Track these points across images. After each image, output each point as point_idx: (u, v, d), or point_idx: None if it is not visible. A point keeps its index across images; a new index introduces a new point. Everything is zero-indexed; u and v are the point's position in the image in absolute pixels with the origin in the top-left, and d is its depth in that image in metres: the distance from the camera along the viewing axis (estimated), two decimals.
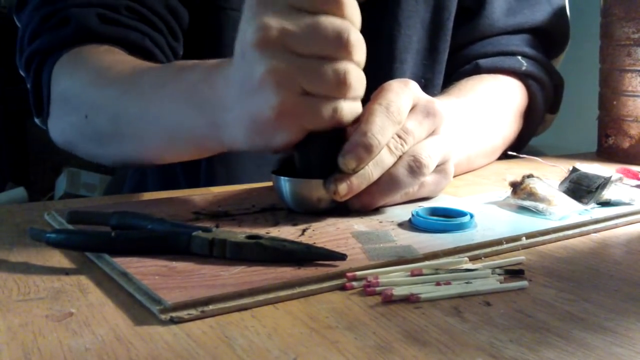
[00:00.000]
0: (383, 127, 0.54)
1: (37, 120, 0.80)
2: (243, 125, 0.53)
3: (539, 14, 0.89)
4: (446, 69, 0.88)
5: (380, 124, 0.54)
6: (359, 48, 0.51)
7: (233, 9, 0.79)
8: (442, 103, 0.59)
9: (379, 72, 0.84)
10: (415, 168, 0.56)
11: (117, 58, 0.71)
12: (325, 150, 0.55)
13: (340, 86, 0.51)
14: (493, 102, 0.82)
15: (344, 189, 0.54)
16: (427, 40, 0.86)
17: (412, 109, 0.57)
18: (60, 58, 0.73)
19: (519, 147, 0.89)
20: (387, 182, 0.56)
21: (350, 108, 0.52)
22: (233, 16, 0.79)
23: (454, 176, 0.65)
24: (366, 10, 0.82)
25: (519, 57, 0.87)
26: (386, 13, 0.83)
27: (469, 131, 0.73)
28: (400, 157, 0.56)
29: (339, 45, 0.50)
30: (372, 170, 0.54)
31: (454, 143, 0.61)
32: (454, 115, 0.67)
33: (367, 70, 0.85)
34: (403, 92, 0.57)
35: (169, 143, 0.63)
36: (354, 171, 0.54)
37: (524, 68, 0.86)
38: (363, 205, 0.57)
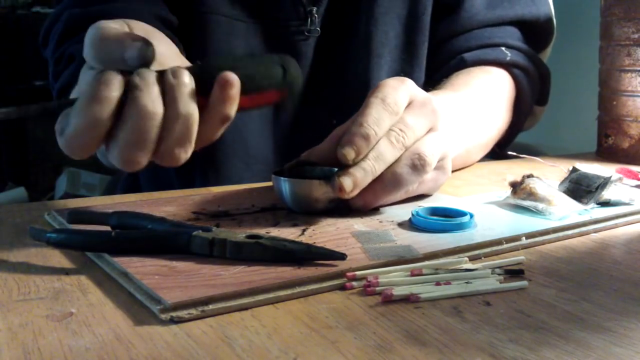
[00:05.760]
0: (379, 118, 0.54)
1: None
2: None
3: (519, 7, 0.90)
4: (430, 64, 0.89)
5: (376, 115, 0.54)
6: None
7: (213, 12, 0.80)
8: (437, 99, 0.59)
9: (357, 67, 0.85)
10: (419, 166, 0.56)
11: None
12: None
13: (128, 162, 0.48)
14: (486, 94, 0.82)
15: (349, 184, 0.53)
16: (405, 35, 0.87)
17: (409, 105, 0.58)
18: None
19: (510, 138, 0.90)
20: (391, 179, 0.56)
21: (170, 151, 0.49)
22: (215, 20, 0.80)
23: (453, 171, 0.65)
24: (342, 7, 0.83)
25: (503, 48, 0.87)
26: (362, 9, 0.84)
27: (466, 125, 0.74)
28: (403, 154, 0.56)
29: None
30: (375, 165, 0.54)
31: (451, 139, 0.61)
32: (451, 110, 0.67)
33: (345, 65, 0.86)
34: (399, 87, 0.57)
35: None
36: (354, 162, 0.54)
37: (508, 58, 0.86)
38: (365, 203, 0.57)
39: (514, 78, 0.88)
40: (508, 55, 0.86)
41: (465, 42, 0.87)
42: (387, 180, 0.56)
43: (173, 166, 0.50)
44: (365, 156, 0.54)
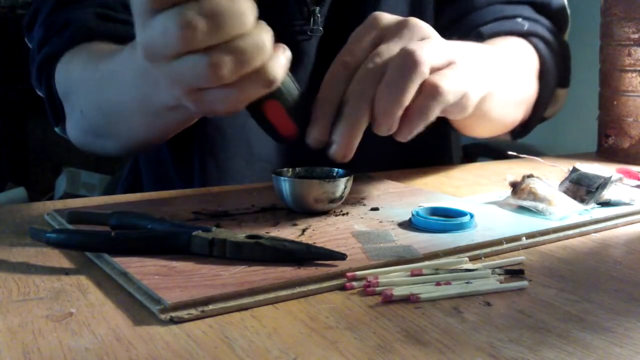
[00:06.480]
0: (330, 81, 0.52)
1: (57, 130, 0.81)
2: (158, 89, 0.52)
3: None
4: None
5: (328, 78, 0.53)
6: None
7: None
8: (453, 43, 0.56)
9: None
10: (409, 63, 0.50)
11: (99, 48, 0.71)
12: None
13: (183, 37, 0.44)
14: (513, 54, 0.80)
15: (339, 151, 0.51)
16: None
17: (383, 37, 0.54)
18: (61, 60, 0.74)
19: (535, 119, 0.86)
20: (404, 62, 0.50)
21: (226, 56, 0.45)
22: None
23: (482, 115, 0.62)
24: (345, 7, 0.83)
25: (519, 19, 0.84)
26: (365, 9, 0.83)
27: (492, 68, 0.68)
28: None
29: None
30: (357, 106, 0.50)
31: (474, 74, 0.57)
32: (471, 51, 0.63)
33: None
34: (357, 38, 0.55)
35: (144, 118, 0.62)
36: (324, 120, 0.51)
37: (525, 28, 0.83)
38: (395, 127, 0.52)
39: (535, 48, 0.84)
40: (525, 25, 0.83)
41: (479, 18, 0.84)
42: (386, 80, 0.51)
43: (194, 84, 0.46)
44: (345, 103, 0.51)
